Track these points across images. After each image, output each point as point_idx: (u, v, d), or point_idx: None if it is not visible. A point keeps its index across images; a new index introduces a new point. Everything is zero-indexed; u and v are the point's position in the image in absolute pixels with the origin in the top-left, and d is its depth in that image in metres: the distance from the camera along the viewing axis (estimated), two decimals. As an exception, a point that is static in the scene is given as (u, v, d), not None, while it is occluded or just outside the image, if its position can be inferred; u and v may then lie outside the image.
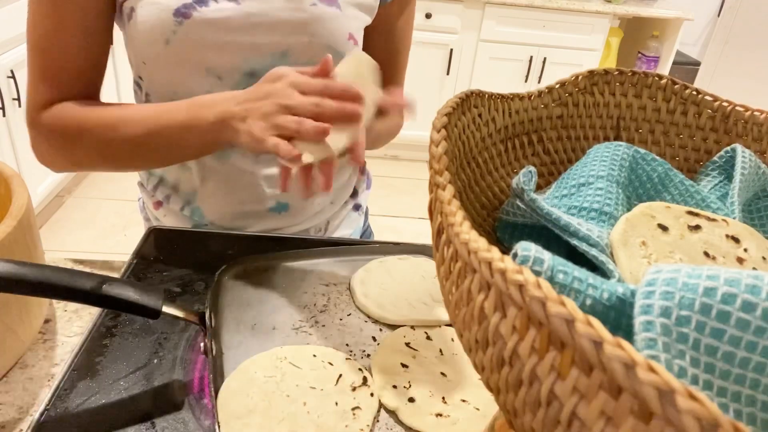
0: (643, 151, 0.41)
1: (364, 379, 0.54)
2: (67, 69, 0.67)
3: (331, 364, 0.55)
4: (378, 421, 0.51)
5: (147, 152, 0.67)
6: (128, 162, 0.70)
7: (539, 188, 0.45)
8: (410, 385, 0.54)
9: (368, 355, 0.58)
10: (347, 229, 0.91)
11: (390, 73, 0.82)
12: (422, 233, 2.36)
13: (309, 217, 0.83)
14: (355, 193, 0.91)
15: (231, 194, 0.77)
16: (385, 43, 0.80)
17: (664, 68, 2.89)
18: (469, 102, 0.39)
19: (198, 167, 0.76)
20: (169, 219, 0.82)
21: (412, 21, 0.82)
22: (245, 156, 0.75)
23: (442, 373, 0.56)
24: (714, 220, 0.36)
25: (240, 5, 0.65)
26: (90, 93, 0.70)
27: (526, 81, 2.78)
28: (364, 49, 0.78)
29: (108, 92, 2.50)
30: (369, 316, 0.63)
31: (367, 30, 0.77)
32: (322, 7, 0.68)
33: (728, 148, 0.44)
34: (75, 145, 0.68)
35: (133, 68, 0.72)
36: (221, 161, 0.75)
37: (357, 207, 0.93)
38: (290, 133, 0.55)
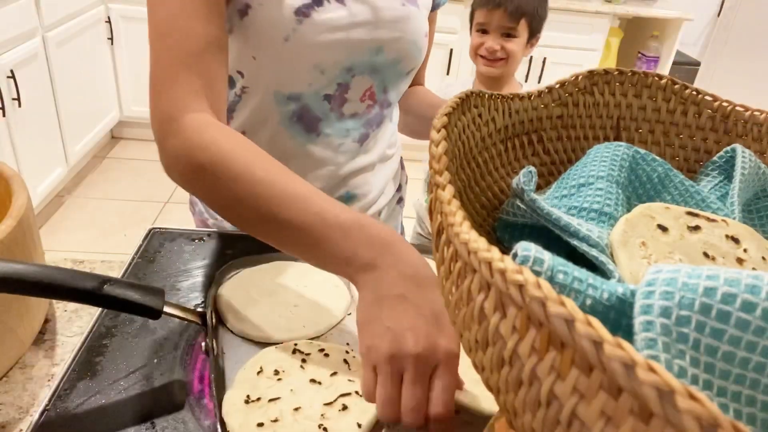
0: (643, 151, 0.41)
1: (364, 379, 0.54)
2: (190, 52, 0.59)
3: (330, 362, 0.55)
4: (378, 420, 0.51)
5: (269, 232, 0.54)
6: (244, 226, 0.56)
7: (539, 188, 0.45)
8: (410, 385, 0.54)
9: (368, 355, 0.58)
10: (393, 220, 0.94)
11: (420, 72, 0.94)
12: (422, 233, 2.35)
13: (370, 204, 0.85)
14: (399, 187, 0.95)
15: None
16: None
17: (664, 68, 2.89)
18: (469, 102, 0.39)
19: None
20: None
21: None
22: (296, 138, 0.75)
23: (442, 373, 0.56)
24: (714, 220, 0.36)
25: (347, 6, 0.69)
26: (210, 87, 0.60)
27: (526, 81, 2.78)
28: None
29: (108, 89, 2.51)
30: (369, 316, 0.63)
31: None
32: (409, 6, 0.74)
33: (728, 148, 0.44)
34: (200, 182, 0.56)
35: (233, 63, 0.68)
36: (271, 144, 0.75)
37: (400, 200, 0.96)
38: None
